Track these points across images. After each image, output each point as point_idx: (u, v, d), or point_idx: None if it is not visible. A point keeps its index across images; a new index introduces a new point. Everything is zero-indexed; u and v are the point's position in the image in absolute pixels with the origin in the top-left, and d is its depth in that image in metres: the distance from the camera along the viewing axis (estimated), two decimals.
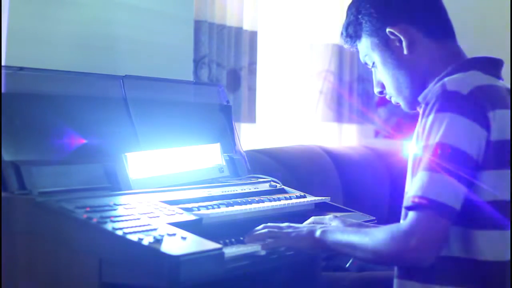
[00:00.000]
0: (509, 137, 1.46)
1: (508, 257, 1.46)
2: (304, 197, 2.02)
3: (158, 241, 1.31)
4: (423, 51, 1.60)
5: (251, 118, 3.00)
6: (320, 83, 3.56)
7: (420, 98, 1.57)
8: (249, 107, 2.99)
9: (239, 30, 2.90)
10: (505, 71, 1.61)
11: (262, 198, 1.86)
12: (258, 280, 1.82)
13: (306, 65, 3.53)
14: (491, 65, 1.57)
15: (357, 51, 1.72)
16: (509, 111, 1.48)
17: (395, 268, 1.57)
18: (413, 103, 1.63)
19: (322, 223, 1.72)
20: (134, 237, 1.31)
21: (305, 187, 2.25)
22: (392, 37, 1.60)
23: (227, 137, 2.17)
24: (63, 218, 1.39)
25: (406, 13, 1.61)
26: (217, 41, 2.78)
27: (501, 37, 3.81)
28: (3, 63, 1.77)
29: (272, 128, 3.37)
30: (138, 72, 1.98)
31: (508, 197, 1.46)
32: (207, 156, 1.95)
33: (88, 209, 1.41)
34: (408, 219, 1.41)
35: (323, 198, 2.03)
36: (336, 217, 1.74)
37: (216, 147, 1.99)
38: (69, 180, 1.60)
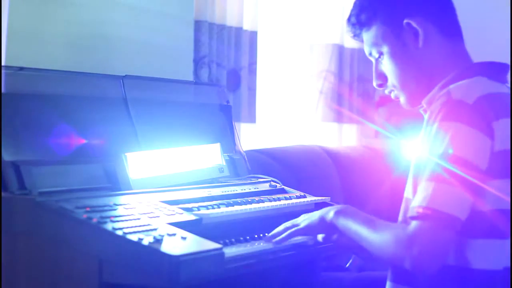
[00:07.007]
0: (509, 147, 1.44)
1: (501, 266, 1.45)
2: (304, 197, 2.02)
3: (158, 241, 1.31)
4: (434, 47, 1.58)
5: (251, 118, 3.00)
6: (320, 83, 3.55)
7: (424, 101, 1.57)
8: (249, 107, 2.99)
9: (239, 30, 2.90)
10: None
11: (262, 198, 1.86)
12: (258, 280, 1.82)
13: (306, 65, 3.53)
14: (497, 70, 1.55)
15: (361, 40, 1.67)
16: (509, 120, 1.46)
17: (389, 271, 1.56)
18: (415, 99, 1.61)
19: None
20: (134, 237, 1.31)
21: (305, 187, 2.25)
22: (407, 28, 1.58)
23: (227, 137, 2.17)
24: (63, 218, 1.39)
25: (424, 7, 1.59)
26: (217, 41, 2.78)
27: (501, 37, 3.81)
28: (3, 63, 1.77)
29: (272, 128, 3.37)
30: (138, 72, 1.98)
31: (508, 207, 1.44)
32: (207, 156, 1.95)
33: (88, 209, 1.41)
34: (412, 226, 1.38)
35: (323, 198, 2.03)
36: None
37: (216, 147, 1.99)
38: (69, 180, 1.60)
